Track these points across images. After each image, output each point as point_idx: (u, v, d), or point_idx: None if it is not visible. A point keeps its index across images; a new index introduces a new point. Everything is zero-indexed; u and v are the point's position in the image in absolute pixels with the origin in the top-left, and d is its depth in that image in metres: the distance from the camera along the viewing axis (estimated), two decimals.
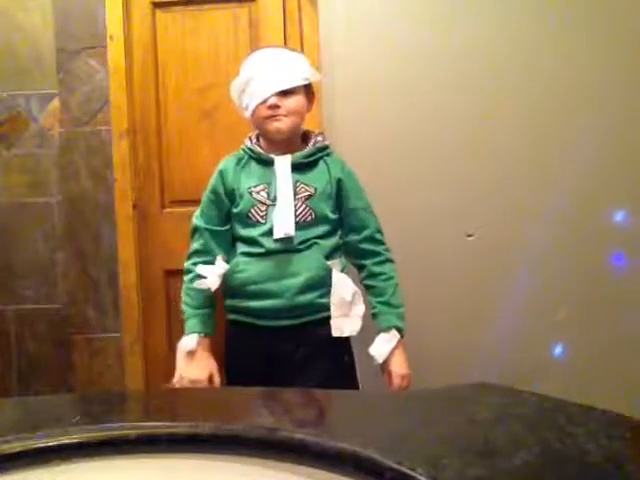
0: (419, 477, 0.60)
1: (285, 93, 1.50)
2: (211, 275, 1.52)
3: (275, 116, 1.50)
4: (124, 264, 1.97)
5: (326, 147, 1.59)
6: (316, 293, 1.51)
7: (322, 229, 1.54)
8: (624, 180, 1.85)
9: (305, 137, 1.61)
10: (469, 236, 1.90)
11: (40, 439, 0.74)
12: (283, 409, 0.92)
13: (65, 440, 0.74)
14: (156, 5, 1.95)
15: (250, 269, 1.51)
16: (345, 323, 1.51)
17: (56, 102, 1.98)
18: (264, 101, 1.49)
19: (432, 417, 0.78)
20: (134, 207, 1.97)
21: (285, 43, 1.90)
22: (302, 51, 1.86)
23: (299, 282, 1.49)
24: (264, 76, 1.49)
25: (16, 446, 0.73)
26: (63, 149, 1.98)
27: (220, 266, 1.54)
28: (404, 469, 0.62)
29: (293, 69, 1.51)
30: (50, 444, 0.74)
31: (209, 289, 1.53)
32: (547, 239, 1.87)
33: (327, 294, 1.51)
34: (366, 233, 1.58)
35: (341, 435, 0.71)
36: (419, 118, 1.89)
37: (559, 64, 1.85)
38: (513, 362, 1.86)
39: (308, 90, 1.57)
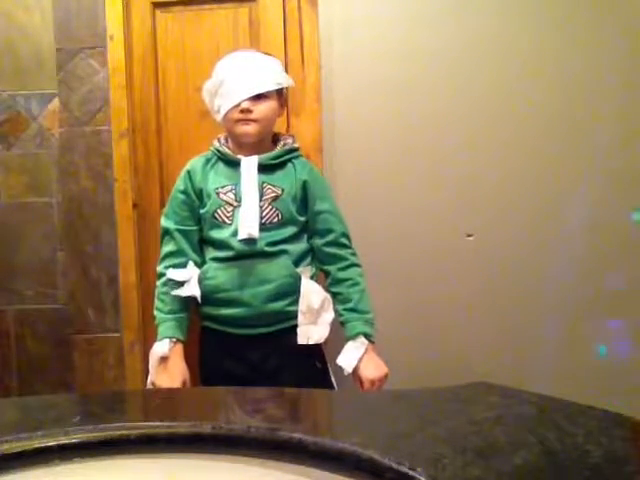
0: (419, 477, 0.60)
1: (258, 97, 1.49)
2: (186, 279, 1.51)
3: (246, 120, 1.49)
4: (124, 264, 1.97)
5: (295, 149, 1.58)
6: (286, 301, 1.49)
7: (290, 231, 1.52)
8: (625, 179, 1.85)
9: (276, 139, 1.61)
10: (469, 236, 1.90)
11: (40, 439, 0.74)
12: (282, 409, 0.92)
13: (65, 440, 0.75)
14: (156, 5, 1.95)
15: (220, 276, 1.50)
16: (312, 330, 1.50)
17: (56, 102, 1.98)
18: (237, 104, 1.48)
19: (432, 417, 0.78)
20: (134, 207, 1.97)
21: (285, 43, 1.90)
22: (301, 51, 1.86)
23: (269, 290, 1.48)
24: (238, 79, 1.48)
25: (16, 446, 0.73)
26: (63, 149, 1.98)
27: (192, 271, 1.52)
28: (404, 469, 0.62)
29: (267, 74, 1.50)
30: (50, 444, 0.74)
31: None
32: (546, 238, 1.87)
33: (297, 302, 1.49)
34: (331, 237, 1.55)
35: (341, 435, 0.71)
36: (419, 118, 1.89)
37: (558, 64, 1.85)
38: (513, 362, 1.86)
39: (280, 95, 1.57)
